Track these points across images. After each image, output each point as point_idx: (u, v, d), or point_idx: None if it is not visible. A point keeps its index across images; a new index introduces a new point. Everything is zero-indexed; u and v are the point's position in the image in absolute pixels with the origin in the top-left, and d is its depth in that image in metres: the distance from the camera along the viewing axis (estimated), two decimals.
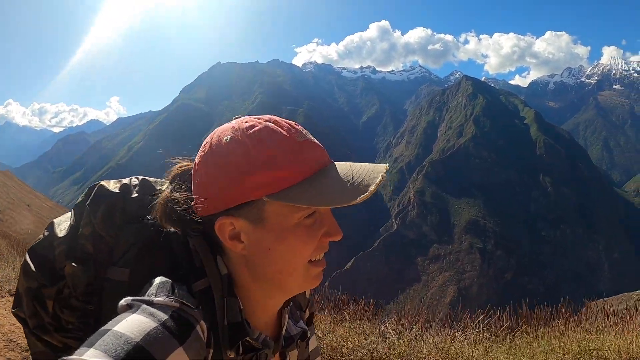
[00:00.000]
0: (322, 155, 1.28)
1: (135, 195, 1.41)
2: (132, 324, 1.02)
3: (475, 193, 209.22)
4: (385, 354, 5.63)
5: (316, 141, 1.29)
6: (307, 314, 1.69)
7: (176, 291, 1.16)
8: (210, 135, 1.31)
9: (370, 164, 1.28)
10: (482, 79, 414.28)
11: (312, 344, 1.68)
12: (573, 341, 5.63)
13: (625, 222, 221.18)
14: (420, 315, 7.71)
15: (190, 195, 1.31)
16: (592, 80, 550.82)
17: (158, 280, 1.19)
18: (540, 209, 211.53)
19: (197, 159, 1.29)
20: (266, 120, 1.27)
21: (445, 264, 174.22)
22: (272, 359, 1.38)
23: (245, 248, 1.27)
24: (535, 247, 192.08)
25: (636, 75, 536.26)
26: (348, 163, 1.29)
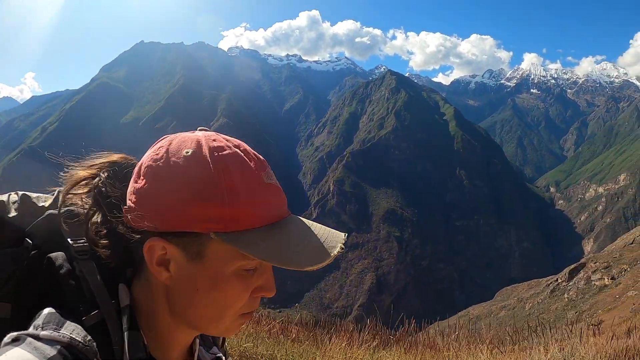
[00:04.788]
0: (283, 204, 1.13)
1: (14, 214, 1.19)
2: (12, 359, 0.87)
3: (394, 183, 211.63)
4: None
5: (280, 186, 1.14)
6: (220, 338, 1.49)
7: (66, 324, 0.99)
8: (168, 138, 1.13)
9: (329, 228, 1.13)
10: (406, 75, 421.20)
11: None
12: None
13: (536, 214, 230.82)
14: None
15: (123, 194, 1.12)
16: (512, 83, 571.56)
17: (46, 311, 1.01)
18: (456, 200, 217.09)
19: (147, 160, 1.10)
20: (235, 146, 1.10)
21: (363, 252, 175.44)
22: None
23: (171, 279, 1.08)
24: (450, 236, 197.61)
25: (553, 81, 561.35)
26: (306, 220, 1.14)
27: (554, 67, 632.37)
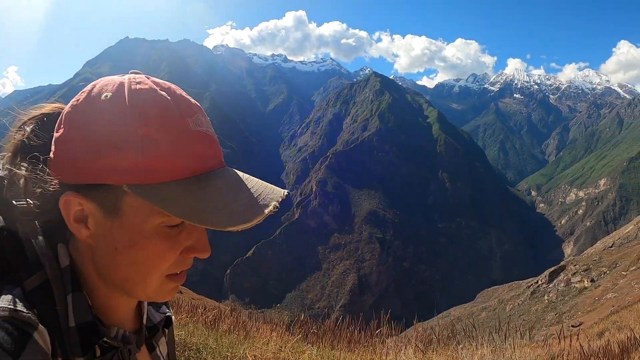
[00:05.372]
0: (214, 155, 1.01)
1: None
2: None
3: (376, 185, 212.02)
4: None
5: (213, 135, 1.03)
6: None
7: (3, 295, 0.90)
8: (94, 82, 1.03)
9: (267, 183, 1.03)
10: (391, 77, 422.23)
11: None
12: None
13: (517, 217, 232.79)
14: None
15: (47, 144, 1.02)
16: (495, 88, 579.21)
17: None
18: (438, 202, 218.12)
19: (67, 107, 1.01)
20: (163, 89, 1.00)
21: (345, 253, 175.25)
22: (138, 352, 1.17)
23: (91, 237, 1.00)
24: (431, 238, 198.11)
25: (536, 87, 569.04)
26: (241, 174, 1.03)
27: (538, 72, 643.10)
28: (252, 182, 1.01)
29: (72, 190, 0.96)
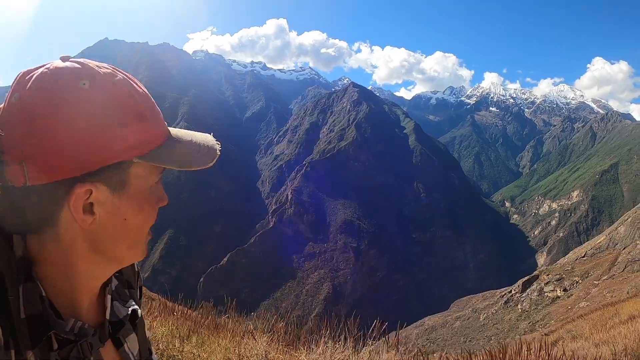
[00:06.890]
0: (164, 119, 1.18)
1: None
2: None
3: (352, 195, 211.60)
4: None
5: None
6: (137, 289, 1.46)
7: None
8: (24, 77, 1.02)
9: (195, 132, 1.25)
10: (369, 88, 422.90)
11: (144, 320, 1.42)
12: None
13: (491, 228, 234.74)
14: None
15: None
16: (472, 101, 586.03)
17: None
18: (413, 212, 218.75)
19: (32, 105, 0.98)
20: (118, 71, 1.11)
21: (320, 262, 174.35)
22: (101, 348, 1.17)
23: (94, 222, 1.05)
24: (406, 248, 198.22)
25: (512, 100, 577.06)
26: (179, 129, 1.21)
27: (514, 87, 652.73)
28: (191, 133, 1.22)
29: (79, 182, 0.99)
